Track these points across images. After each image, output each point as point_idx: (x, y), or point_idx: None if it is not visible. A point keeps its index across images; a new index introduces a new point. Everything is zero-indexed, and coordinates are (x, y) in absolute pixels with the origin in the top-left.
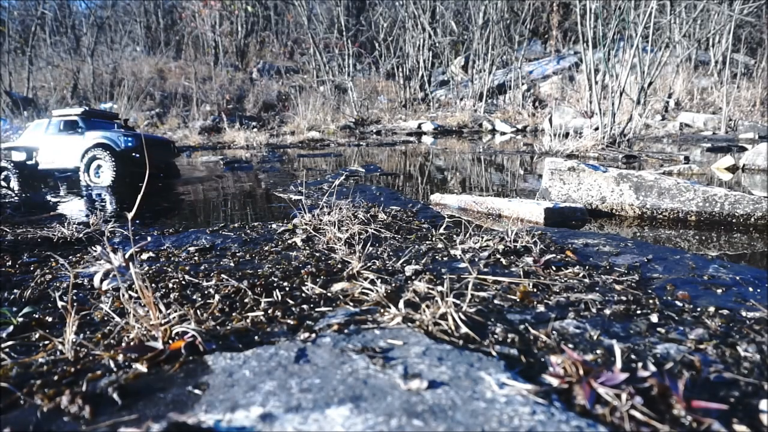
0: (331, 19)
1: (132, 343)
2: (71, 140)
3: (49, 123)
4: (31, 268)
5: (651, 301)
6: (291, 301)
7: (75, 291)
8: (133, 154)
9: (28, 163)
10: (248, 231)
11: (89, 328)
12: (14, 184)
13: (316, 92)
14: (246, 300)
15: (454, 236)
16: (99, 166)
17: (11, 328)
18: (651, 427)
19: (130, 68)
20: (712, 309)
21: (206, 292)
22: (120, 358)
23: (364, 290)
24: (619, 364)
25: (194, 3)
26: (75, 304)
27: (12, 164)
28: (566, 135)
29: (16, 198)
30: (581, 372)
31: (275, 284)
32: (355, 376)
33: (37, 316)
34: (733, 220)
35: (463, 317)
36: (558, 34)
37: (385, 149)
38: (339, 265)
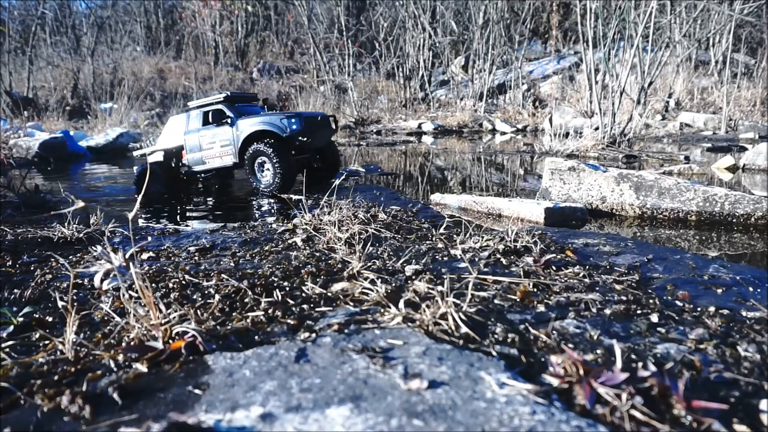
0: (331, 18)
1: (132, 343)
2: (221, 133)
3: (189, 117)
4: (32, 268)
5: (651, 300)
6: (291, 301)
7: (75, 291)
8: (300, 137)
9: (172, 165)
10: (248, 230)
11: (89, 328)
12: (158, 185)
13: (316, 92)
14: (246, 300)
15: (455, 236)
16: (263, 163)
17: (11, 328)
18: (651, 427)
19: (130, 68)
20: (712, 309)
21: (206, 291)
22: (120, 358)
23: (364, 290)
24: (619, 364)
25: (194, 3)
26: (75, 304)
27: (156, 165)
28: (566, 135)
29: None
30: (581, 372)
31: (275, 284)
32: (356, 376)
33: (37, 316)
34: (734, 220)
35: (463, 317)
36: (558, 33)
37: (386, 149)
38: (339, 265)
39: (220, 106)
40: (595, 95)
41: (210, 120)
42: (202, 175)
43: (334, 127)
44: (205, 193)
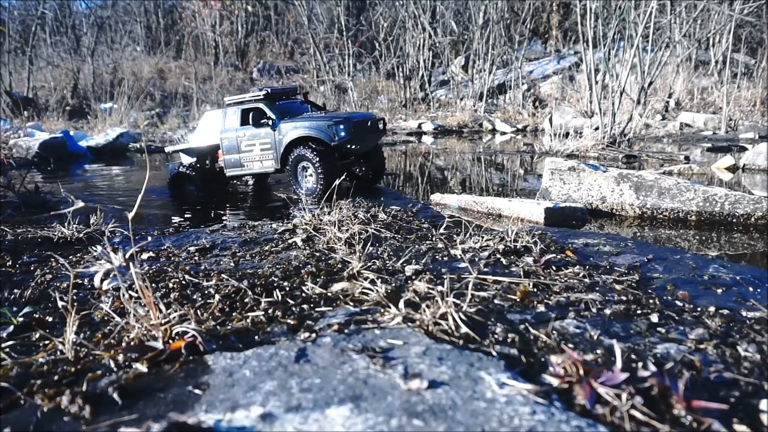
0: (331, 18)
1: (132, 343)
2: (262, 136)
3: (225, 114)
4: (32, 268)
5: (651, 300)
6: (291, 301)
7: (75, 291)
8: (348, 145)
9: (206, 166)
10: (248, 230)
11: (89, 328)
12: (192, 187)
13: (316, 92)
14: (246, 300)
15: (455, 236)
16: (306, 167)
17: (11, 328)
18: (651, 427)
19: (130, 68)
20: (712, 309)
21: (206, 291)
22: (120, 358)
23: (364, 290)
24: (619, 363)
25: (194, 3)
26: (75, 304)
27: (189, 169)
28: (566, 135)
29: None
30: (581, 372)
31: (275, 284)
32: (356, 376)
33: (37, 316)
34: (734, 220)
35: (463, 317)
36: (558, 33)
37: (386, 149)
38: (339, 265)
39: (259, 105)
40: (595, 95)
41: (249, 120)
42: (241, 178)
43: (383, 129)
44: (205, 194)
